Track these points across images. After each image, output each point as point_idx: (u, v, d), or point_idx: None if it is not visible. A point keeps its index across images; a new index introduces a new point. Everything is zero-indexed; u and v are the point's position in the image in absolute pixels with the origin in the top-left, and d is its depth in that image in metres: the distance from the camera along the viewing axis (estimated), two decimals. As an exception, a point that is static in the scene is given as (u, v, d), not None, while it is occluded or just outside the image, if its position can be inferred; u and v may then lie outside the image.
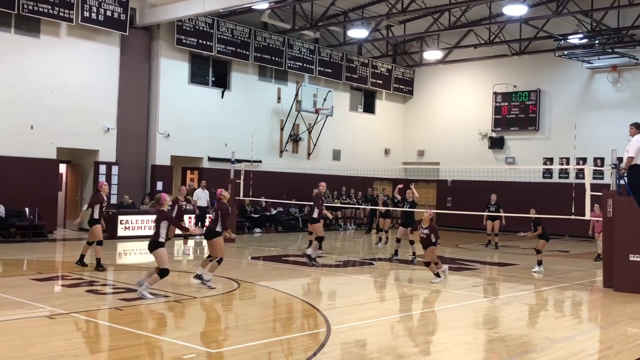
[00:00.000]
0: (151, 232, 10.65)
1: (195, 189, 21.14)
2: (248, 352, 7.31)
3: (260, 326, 8.87)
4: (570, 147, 24.13)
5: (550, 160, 26.83)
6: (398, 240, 16.81)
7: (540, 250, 15.18)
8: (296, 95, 26.20)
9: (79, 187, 21.73)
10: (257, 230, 23.61)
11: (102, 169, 20.95)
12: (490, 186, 22.50)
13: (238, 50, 24.21)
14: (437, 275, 12.78)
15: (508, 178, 24.64)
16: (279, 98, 26.21)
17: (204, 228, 15.03)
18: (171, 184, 23.14)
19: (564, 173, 26.52)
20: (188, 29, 22.70)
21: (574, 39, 25.04)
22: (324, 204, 15.81)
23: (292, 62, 26.09)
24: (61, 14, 19.30)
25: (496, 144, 28.55)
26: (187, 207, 17.27)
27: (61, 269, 13.90)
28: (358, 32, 25.93)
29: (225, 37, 23.81)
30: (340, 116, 28.31)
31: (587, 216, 13.97)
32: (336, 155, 28.67)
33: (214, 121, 23.97)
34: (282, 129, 26.48)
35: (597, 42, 24.70)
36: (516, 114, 28.16)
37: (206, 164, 24.01)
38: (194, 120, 23.38)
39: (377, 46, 29.98)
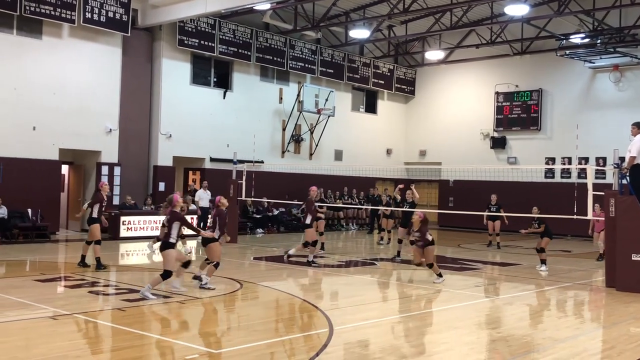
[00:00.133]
0: (154, 233, 10.66)
1: (196, 190, 21.16)
2: (250, 353, 7.32)
3: (262, 326, 8.88)
4: (572, 147, 24.14)
5: (552, 160, 26.82)
6: (400, 241, 16.81)
7: (543, 248, 15.16)
8: (298, 95, 26.22)
9: (81, 188, 21.70)
10: (259, 230, 23.60)
11: (105, 169, 20.96)
12: (492, 186, 22.48)
13: (240, 50, 24.22)
14: (440, 275, 12.78)
15: (510, 178, 24.66)
16: (280, 98, 26.22)
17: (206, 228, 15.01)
18: (173, 184, 23.16)
19: (566, 173, 26.50)
20: (190, 29, 22.72)
21: (576, 39, 25.00)
22: (324, 205, 15.80)
23: (293, 63, 26.09)
24: (63, 15, 19.32)
25: (498, 143, 28.55)
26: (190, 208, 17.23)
27: (64, 270, 13.90)
28: (360, 33, 25.92)
29: (227, 38, 23.82)
30: (342, 116, 28.31)
31: (589, 216, 13.99)
32: (338, 155, 28.67)
33: (215, 122, 23.98)
34: (284, 130, 26.49)
35: (599, 41, 24.69)
36: (518, 113, 28.16)
37: (208, 165, 24.02)
38: (196, 121, 23.39)
39: (379, 46, 29.98)
